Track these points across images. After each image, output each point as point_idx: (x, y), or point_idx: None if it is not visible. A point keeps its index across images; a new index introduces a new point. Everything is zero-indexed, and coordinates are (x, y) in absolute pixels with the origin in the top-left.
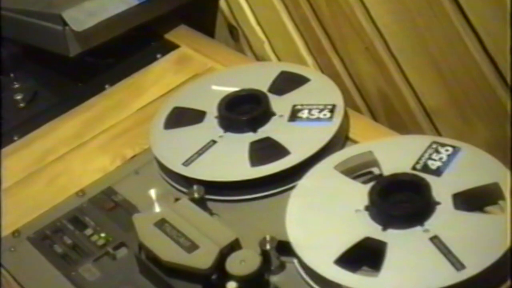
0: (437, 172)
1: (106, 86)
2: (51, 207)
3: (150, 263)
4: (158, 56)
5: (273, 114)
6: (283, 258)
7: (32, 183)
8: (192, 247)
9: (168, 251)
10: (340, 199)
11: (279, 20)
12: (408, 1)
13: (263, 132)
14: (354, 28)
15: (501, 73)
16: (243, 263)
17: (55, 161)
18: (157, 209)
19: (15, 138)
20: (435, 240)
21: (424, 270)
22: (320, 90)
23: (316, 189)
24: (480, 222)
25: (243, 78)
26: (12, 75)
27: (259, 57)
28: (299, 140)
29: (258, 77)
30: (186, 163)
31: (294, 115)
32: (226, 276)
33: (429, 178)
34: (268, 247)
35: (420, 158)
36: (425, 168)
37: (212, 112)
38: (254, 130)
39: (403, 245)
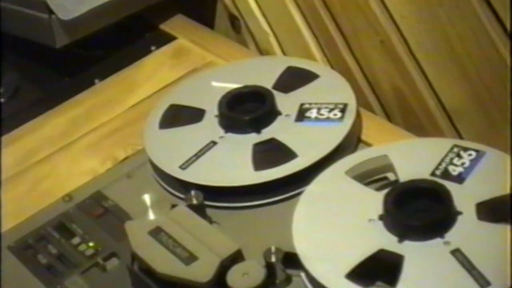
0: (459, 178)
1: (96, 80)
2: (35, 213)
3: (144, 276)
4: (153, 48)
5: (278, 113)
6: (290, 271)
7: (13, 186)
8: (190, 258)
9: (164, 263)
10: (352, 207)
11: (285, 10)
12: None
13: (268, 133)
14: (368, 19)
15: None
16: (246, 276)
17: (39, 162)
18: (151, 216)
19: None
20: (457, 253)
21: (445, 286)
22: (330, 88)
23: (326, 196)
24: (506, 234)
25: (245, 73)
26: None
27: (263, 51)
28: (307, 142)
29: (262, 72)
30: (184, 166)
31: (301, 115)
32: None
33: (449, 185)
34: (273, 259)
35: (440, 163)
36: (446, 174)
37: (212, 110)
38: (258, 130)
39: (421, 258)
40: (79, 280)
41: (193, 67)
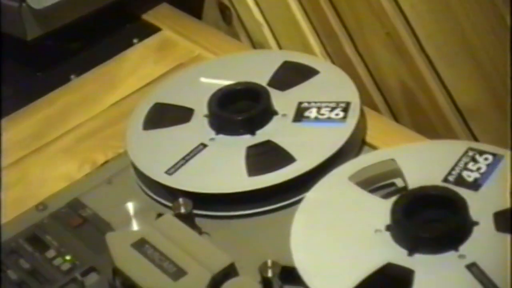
0: (474, 185)
1: (72, 76)
2: (4, 224)
3: None
4: (135, 41)
5: (274, 113)
6: (288, 287)
7: None
8: (178, 273)
9: (149, 278)
10: (356, 217)
11: None
12: None
13: (263, 134)
14: (373, 9)
15: None
16: None
17: (10, 167)
18: (135, 226)
19: None
20: (473, 268)
21: None
22: (331, 84)
23: (327, 204)
24: None
25: (237, 69)
26: None
27: (256, 44)
28: (306, 144)
29: (256, 68)
30: (170, 171)
31: (300, 115)
32: None
33: (464, 192)
34: (269, 273)
35: (453, 168)
36: (460, 181)
37: (201, 109)
38: (252, 132)
39: (434, 273)
40: None
41: (180, 62)
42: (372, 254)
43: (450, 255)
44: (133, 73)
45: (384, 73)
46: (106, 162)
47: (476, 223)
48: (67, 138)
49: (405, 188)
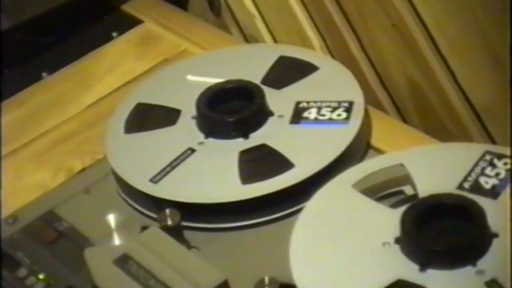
0: (493, 192)
1: (44, 74)
2: None
3: None
4: (114, 34)
5: (270, 113)
6: None
7: None
8: None
9: None
10: (362, 229)
11: None
12: None
13: (257, 137)
14: None
15: None
16: None
17: None
18: (116, 241)
19: None
20: (494, 285)
21: None
22: (332, 82)
23: (329, 214)
24: None
25: (228, 65)
26: None
27: (249, 37)
28: (305, 148)
29: (248, 64)
30: (155, 179)
31: (298, 116)
32: None
33: (482, 200)
34: None
35: (468, 174)
36: (476, 188)
37: (188, 110)
38: (245, 135)
39: None
40: None
41: (164, 57)
42: (380, 270)
43: (467, 270)
44: (112, 71)
45: (391, 69)
46: (83, 169)
47: (495, 235)
48: (39, 142)
49: (415, 196)
